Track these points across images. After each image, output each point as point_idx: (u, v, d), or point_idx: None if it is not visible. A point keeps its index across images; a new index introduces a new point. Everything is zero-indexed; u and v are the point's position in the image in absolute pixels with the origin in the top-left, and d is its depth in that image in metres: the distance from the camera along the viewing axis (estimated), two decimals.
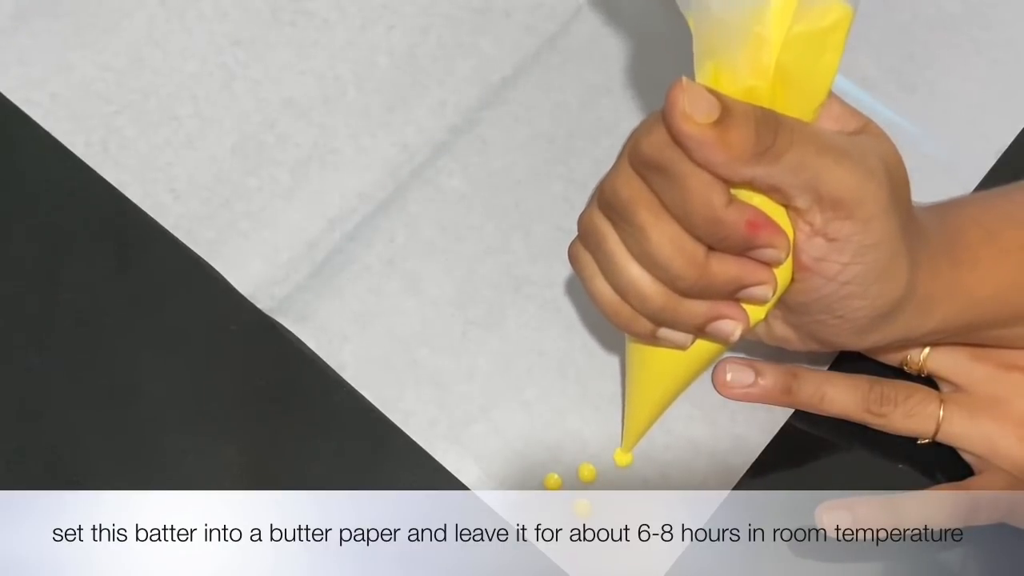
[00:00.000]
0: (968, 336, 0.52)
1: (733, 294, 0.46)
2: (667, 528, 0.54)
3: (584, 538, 0.54)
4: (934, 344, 0.54)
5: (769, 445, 0.56)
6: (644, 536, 0.54)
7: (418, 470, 0.55)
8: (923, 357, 0.55)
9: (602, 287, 0.47)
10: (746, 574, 0.54)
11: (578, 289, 0.59)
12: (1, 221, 0.60)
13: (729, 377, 0.56)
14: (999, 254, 0.49)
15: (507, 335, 0.58)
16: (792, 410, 0.57)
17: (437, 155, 0.62)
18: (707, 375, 0.57)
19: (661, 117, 0.42)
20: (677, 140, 0.42)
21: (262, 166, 0.61)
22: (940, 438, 0.55)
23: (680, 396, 0.53)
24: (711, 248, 0.44)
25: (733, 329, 0.47)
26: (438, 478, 0.55)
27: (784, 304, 0.48)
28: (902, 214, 0.45)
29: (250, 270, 0.59)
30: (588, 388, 0.57)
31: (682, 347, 0.48)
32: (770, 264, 0.45)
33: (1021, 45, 0.65)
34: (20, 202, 0.61)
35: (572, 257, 0.48)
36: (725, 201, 0.43)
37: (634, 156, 0.44)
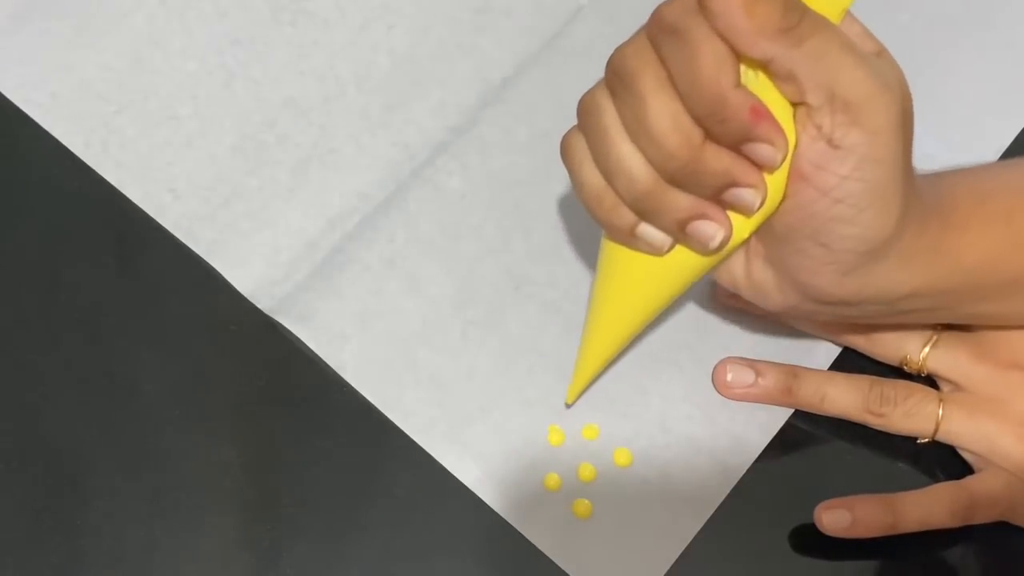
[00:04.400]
0: (948, 311, 0.51)
1: (721, 190, 0.45)
2: (667, 528, 0.54)
3: (584, 538, 0.54)
4: (912, 316, 0.51)
5: (769, 445, 0.56)
6: (644, 536, 0.54)
7: (418, 470, 0.55)
8: (923, 356, 0.55)
9: (590, 173, 0.46)
10: (746, 574, 0.54)
11: (578, 289, 0.59)
12: (1, 221, 0.60)
13: (730, 377, 0.56)
14: (989, 219, 0.48)
15: (507, 335, 0.58)
16: (792, 410, 0.57)
17: (437, 155, 0.62)
18: (708, 375, 0.57)
19: None
20: (703, 2, 0.42)
21: (262, 166, 0.61)
22: (940, 437, 0.55)
23: (645, 324, 0.52)
24: (709, 137, 0.44)
25: (715, 233, 0.46)
26: (438, 478, 0.55)
27: (769, 230, 0.47)
28: (907, 144, 0.44)
29: (250, 270, 0.59)
30: (588, 388, 0.57)
31: (659, 251, 0.47)
32: (764, 166, 0.44)
33: (1021, 46, 0.65)
34: (20, 202, 0.61)
35: (564, 145, 0.47)
36: (734, 81, 0.42)
37: (653, 21, 0.43)
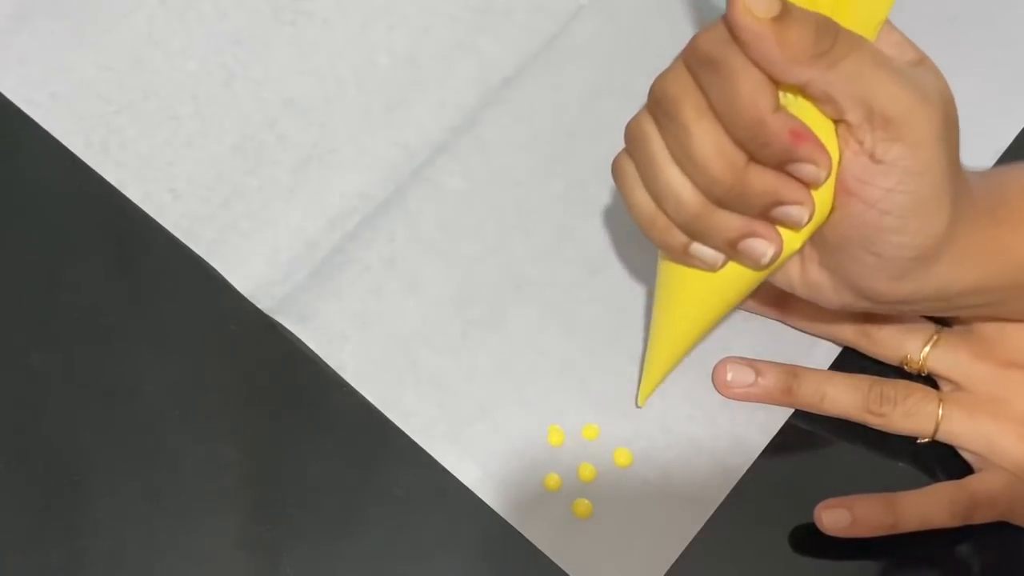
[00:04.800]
0: (1003, 306, 0.51)
1: (768, 209, 0.45)
2: (667, 528, 0.54)
3: (584, 538, 0.54)
4: (968, 311, 0.52)
5: (769, 445, 0.56)
6: (644, 536, 0.54)
7: (418, 470, 0.55)
8: (923, 356, 0.55)
9: (641, 197, 0.47)
10: (746, 574, 0.54)
11: (578, 289, 0.59)
12: (1, 221, 0.60)
13: (730, 377, 0.56)
14: None
15: (507, 335, 0.58)
16: (792, 410, 0.57)
17: (437, 155, 0.62)
18: (708, 375, 0.57)
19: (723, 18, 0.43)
20: (735, 34, 0.42)
21: (262, 166, 0.61)
22: (939, 437, 0.55)
23: (705, 334, 0.53)
24: (752, 160, 0.44)
25: (765, 250, 0.46)
26: (438, 478, 0.55)
27: (821, 238, 0.47)
28: (951, 151, 0.45)
29: (250, 270, 0.59)
30: (588, 388, 0.57)
31: (712, 267, 0.48)
32: (809, 184, 0.45)
33: (1021, 45, 0.65)
34: (20, 202, 0.61)
35: (615, 168, 0.48)
36: (772, 106, 0.43)
37: (689, 51, 0.44)
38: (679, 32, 0.64)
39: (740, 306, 0.58)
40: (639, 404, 0.56)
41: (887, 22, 0.46)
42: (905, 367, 0.56)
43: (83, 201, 0.61)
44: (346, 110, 0.63)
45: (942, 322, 0.56)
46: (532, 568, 0.54)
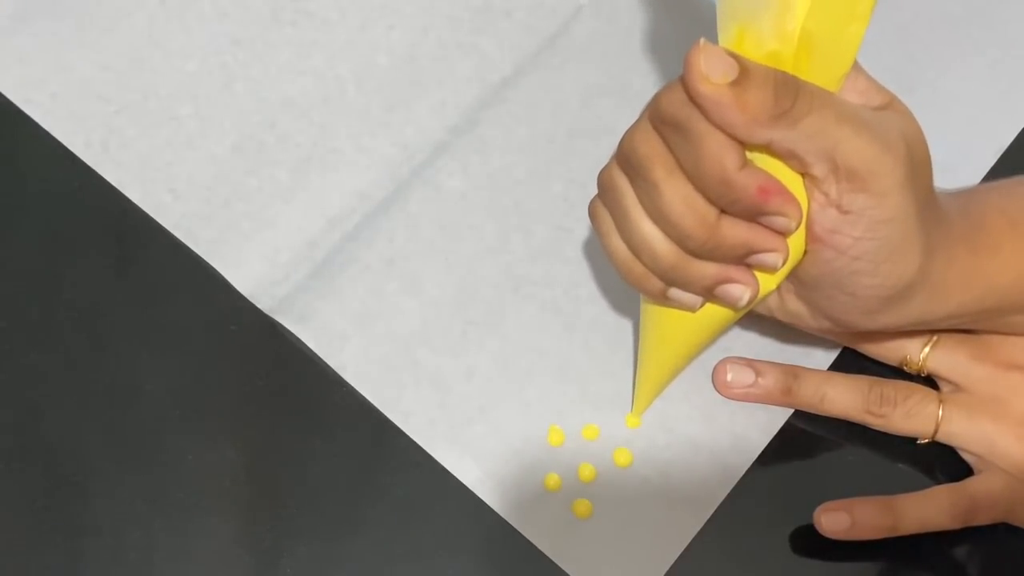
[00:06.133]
0: (987, 322, 0.52)
1: (743, 259, 0.46)
2: (667, 528, 0.54)
3: (584, 538, 0.54)
4: (951, 328, 0.53)
5: (769, 445, 0.56)
6: (644, 536, 0.54)
7: (418, 470, 0.55)
8: (923, 357, 0.55)
9: (617, 244, 0.48)
10: (746, 574, 0.54)
11: (578, 289, 0.59)
12: (1, 221, 0.60)
13: (729, 377, 0.56)
14: (1021, 241, 0.49)
15: (507, 335, 0.58)
16: (792, 410, 0.57)
17: (437, 155, 0.62)
18: (708, 375, 0.57)
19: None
20: (694, 100, 0.42)
21: (262, 166, 0.61)
22: (939, 438, 0.55)
23: (690, 362, 0.54)
24: (724, 212, 0.45)
25: (741, 294, 0.47)
26: (438, 478, 0.55)
27: (796, 277, 0.48)
28: (919, 194, 0.45)
29: (250, 270, 0.59)
30: (588, 388, 0.57)
31: (691, 309, 0.49)
32: (781, 232, 0.45)
33: (1021, 45, 0.65)
34: (20, 202, 0.61)
35: (591, 213, 0.49)
36: (738, 164, 0.43)
37: (653, 112, 0.44)
38: (679, 32, 0.64)
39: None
40: (628, 426, 0.56)
41: (855, 65, 0.46)
42: (905, 368, 0.56)
43: (83, 201, 0.61)
44: (346, 110, 0.63)
45: None
46: (532, 568, 0.54)
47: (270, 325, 0.58)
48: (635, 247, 0.47)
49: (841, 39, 0.44)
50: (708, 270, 0.46)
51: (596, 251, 0.60)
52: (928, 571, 0.55)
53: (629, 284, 0.49)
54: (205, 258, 0.59)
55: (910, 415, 0.55)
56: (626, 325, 0.58)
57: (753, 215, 0.45)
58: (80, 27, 0.64)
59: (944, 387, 0.56)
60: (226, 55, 0.64)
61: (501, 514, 0.55)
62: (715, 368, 0.57)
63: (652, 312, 0.51)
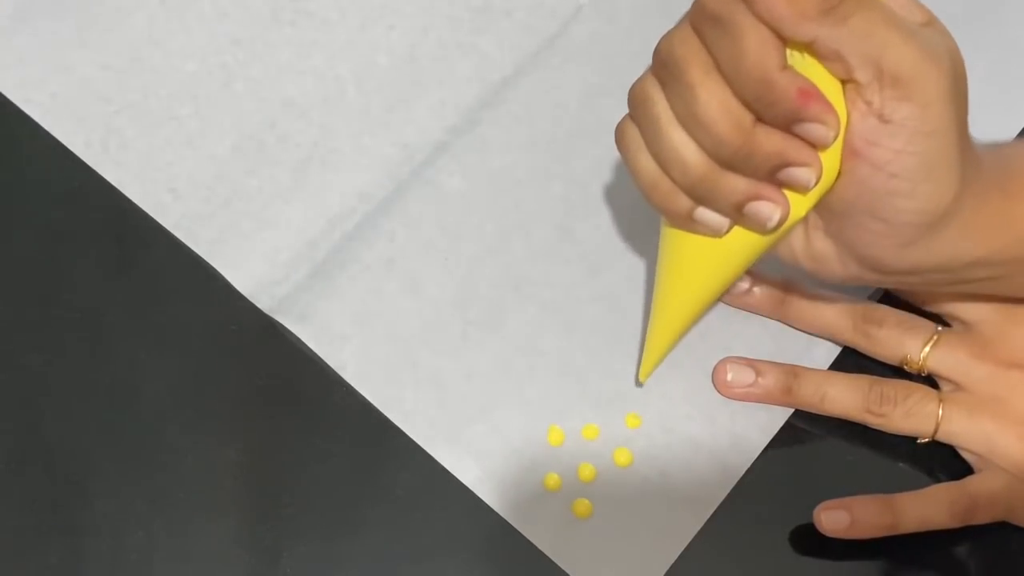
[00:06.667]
0: (1009, 281, 0.50)
1: (775, 171, 0.45)
2: (667, 528, 0.54)
3: (584, 538, 0.54)
4: (975, 285, 0.51)
5: (769, 445, 0.56)
6: (644, 536, 0.54)
7: (418, 470, 0.55)
8: (923, 356, 0.55)
9: (645, 161, 0.46)
10: (746, 574, 0.54)
11: (578, 289, 0.59)
12: (1, 221, 0.60)
13: (730, 377, 0.56)
14: None
15: (507, 335, 0.58)
16: (792, 410, 0.57)
17: (437, 155, 0.62)
18: (708, 375, 0.57)
19: None
20: None
21: (262, 166, 0.61)
22: (939, 437, 0.55)
23: (707, 308, 0.52)
24: (759, 120, 0.44)
25: (771, 213, 0.45)
26: (438, 478, 0.55)
27: (827, 206, 0.46)
28: (960, 113, 0.44)
29: (250, 270, 0.59)
30: (588, 388, 0.57)
31: (718, 232, 0.47)
32: (817, 145, 0.44)
33: (1021, 45, 0.65)
34: (20, 202, 0.61)
35: (618, 133, 0.48)
36: (780, 64, 0.42)
37: (696, 9, 0.43)
38: None
39: (741, 307, 0.58)
40: (640, 381, 0.56)
41: None
42: (905, 367, 0.56)
43: (83, 201, 0.61)
44: (346, 110, 0.63)
45: (942, 322, 0.56)
46: (532, 568, 0.54)
47: (270, 325, 0.58)
48: (664, 158, 0.46)
49: None
50: (739, 184, 0.45)
51: (596, 251, 0.60)
52: (928, 571, 0.55)
53: (654, 205, 0.47)
54: (205, 258, 0.59)
55: (910, 414, 0.55)
56: (626, 325, 0.58)
57: (791, 121, 0.43)
58: (80, 27, 0.64)
59: (944, 386, 0.56)
60: (226, 55, 0.64)
61: (501, 514, 0.55)
62: (715, 368, 0.57)
63: (674, 242, 0.49)
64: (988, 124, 0.62)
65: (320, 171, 0.61)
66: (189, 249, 0.60)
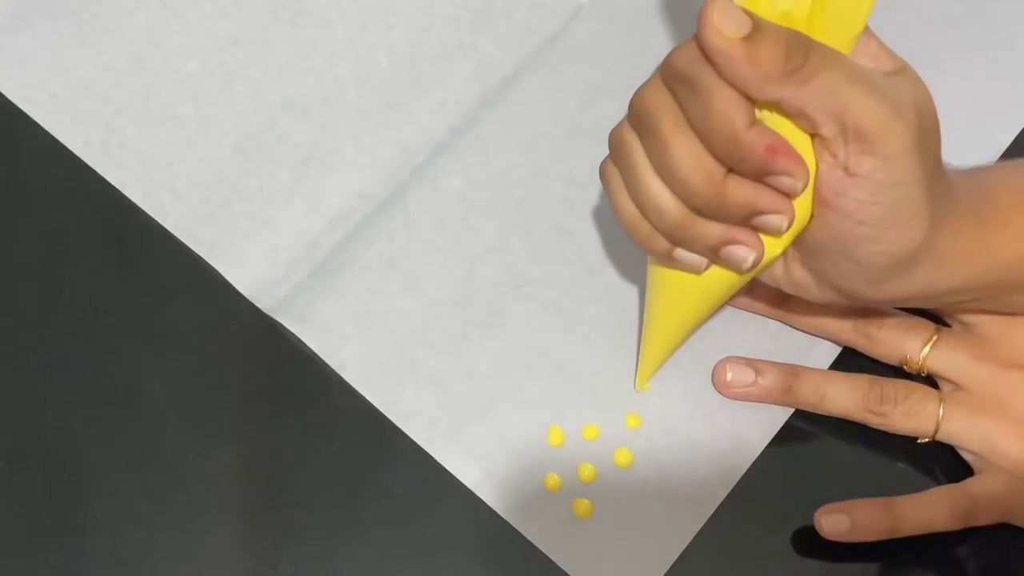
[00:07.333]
0: (992, 301, 0.51)
1: (748, 219, 0.46)
2: (667, 528, 0.54)
3: (584, 538, 0.54)
4: (958, 305, 0.53)
5: (769, 445, 0.56)
6: (644, 536, 0.54)
7: (418, 470, 0.55)
8: (923, 356, 0.55)
9: (625, 202, 0.48)
10: (746, 574, 0.54)
11: (578, 289, 0.59)
12: (1, 221, 0.60)
13: (729, 377, 0.56)
14: None
15: (507, 335, 0.58)
16: (792, 410, 0.57)
17: (437, 155, 0.62)
18: (708, 375, 0.57)
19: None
20: (706, 54, 0.42)
21: (262, 166, 0.61)
22: (939, 437, 0.55)
23: (695, 329, 0.54)
24: (731, 170, 0.45)
25: (746, 256, 0.47)
26: (438, 478, 0.55)
27: (802, 243, 0.48)
28: (927, 161, 0.45)
29: (250, 270, 0.59)
30: (588, 388, 0.57)
31: (696, 270, 0.49)
32: (787, 194, 0.45)
33: (1021, 45, 0.65)
34: (20, 202, 0.61)
35: (602, 172, 0.49)
36: (747, 122, 0.43)
37: (666, 69, 0.44)
38: (679, 32, 0.64)
39: (740, 307, 0.58)
40: (636, 390, 0.57)
41: (866, 30, 0.46)
42: (905, 367, 0.56)
43: (83, 201, 0.61)
44: (346, 110, 0.63)
45: (942, 322, 0.56)
46: (532, 568, 0.54)
47: (270, 325, 0.58)
48: (642, 204, 0.47)
49: (854, 1, 0.44)
50: (713, 230, 0.46)
51: (596, 251, 0.60)
52: (928, 571, 0.55)
53: (636, 243, 0.49)
54: (205, 258, 0.59)
55: (910, 414, 0.55)
56: (626, 325, 0.58)
57: (760, 174, 0.44)
58: (80, 27, 0.64)
59: (944, 386, 0.56)
60: (226, 55, 0.64)
61: (501, 514, 0.55)
62: (715, 368, 0.57)
63: (658, 276, 0.51)
64: (988, 124, 0.63)
65: (320, 171, 0.61)
66: (189, 249, 0.60)
